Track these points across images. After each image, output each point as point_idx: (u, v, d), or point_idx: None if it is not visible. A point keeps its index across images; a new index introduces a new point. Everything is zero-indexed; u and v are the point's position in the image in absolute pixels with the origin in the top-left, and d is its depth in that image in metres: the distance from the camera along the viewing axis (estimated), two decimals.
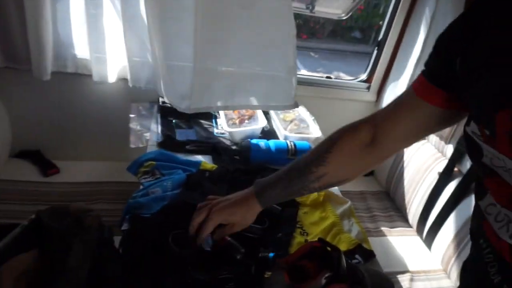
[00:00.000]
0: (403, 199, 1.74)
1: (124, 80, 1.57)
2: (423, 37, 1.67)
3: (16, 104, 1.58)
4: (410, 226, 1.69)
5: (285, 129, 1.48)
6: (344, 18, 1.84)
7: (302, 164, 0.76)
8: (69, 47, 1.47)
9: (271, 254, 0.90)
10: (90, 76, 1.53)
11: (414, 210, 1.66)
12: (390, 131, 0.70)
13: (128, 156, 1.25)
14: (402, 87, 1.79)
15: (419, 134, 0.70)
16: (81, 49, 1.49)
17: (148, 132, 1.39)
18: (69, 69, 1.49)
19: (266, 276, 0.82)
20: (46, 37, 1.36)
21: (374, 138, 0.72)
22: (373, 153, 0.73)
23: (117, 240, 0.89)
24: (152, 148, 1.30)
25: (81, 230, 0.80)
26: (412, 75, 1.73)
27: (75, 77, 1.52)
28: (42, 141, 1.69)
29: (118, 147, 1.49)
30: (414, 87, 0.66)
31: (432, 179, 1.59)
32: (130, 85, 1.54)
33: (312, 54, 5.02)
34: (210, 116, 1.57)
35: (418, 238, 1.63)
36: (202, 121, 1.53)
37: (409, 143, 0.72)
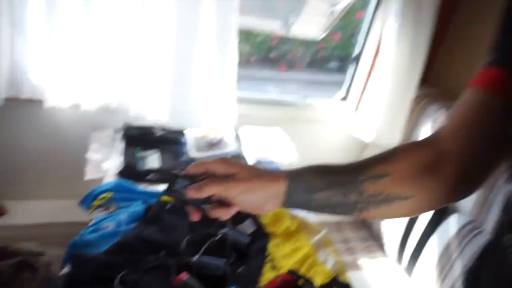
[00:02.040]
0: (379, 227, 1.67)
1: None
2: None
3: None
4: (387, 256, 1.61)
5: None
6: (319, 38, 1.82)
7: (354, 163, 0.56)
8: (25, 72, 1.35)
9: None
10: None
11: (392, 238, 1.57)
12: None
13: (84, 192, 1.14)
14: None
15: None
16: (38, 74, 1.37)
17: (107, 162, 1.28)
18: (24, 94, 1.36)
19: None
20: None
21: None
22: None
23: None
24: (110, 179, 1.19)
25: (23, 276, 0.68)
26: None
27: (31, 104, 1.39)
28: None
29: (74, 182, 1.33)
30: (483, 84, 0.50)
31: None
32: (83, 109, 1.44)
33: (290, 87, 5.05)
34: (179, 143, 1.47)
35: (399, 267, 1.53)
36: (169, 148, 1.42)
37: None
